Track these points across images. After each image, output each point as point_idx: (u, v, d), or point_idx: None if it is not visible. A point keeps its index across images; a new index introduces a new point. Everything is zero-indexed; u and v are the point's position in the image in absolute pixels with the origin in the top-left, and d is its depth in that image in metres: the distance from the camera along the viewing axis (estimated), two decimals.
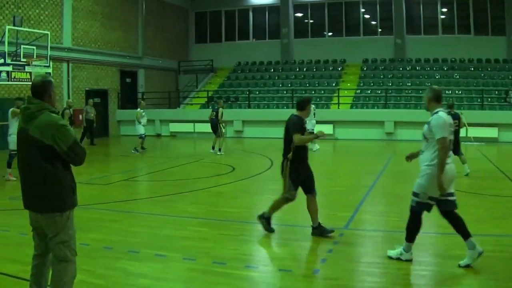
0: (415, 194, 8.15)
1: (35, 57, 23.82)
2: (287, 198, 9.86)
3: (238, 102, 37.43)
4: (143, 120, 25.14)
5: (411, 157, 8.64)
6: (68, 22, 31.89)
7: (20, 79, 26.68)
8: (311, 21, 44.44)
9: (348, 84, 37.36)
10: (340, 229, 10.00)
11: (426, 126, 8.06)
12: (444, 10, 40.03)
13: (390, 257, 8.28)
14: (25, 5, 28.43)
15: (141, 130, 25.03)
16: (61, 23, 31.35)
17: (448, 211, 8.16)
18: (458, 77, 35.84)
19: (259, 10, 45.93)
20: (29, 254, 6.18)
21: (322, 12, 43.48)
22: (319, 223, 9.78)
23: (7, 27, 22.55)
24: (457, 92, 33.71)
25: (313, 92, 37.13)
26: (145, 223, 11.11)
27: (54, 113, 5.72)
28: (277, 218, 10.62)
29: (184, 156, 23.19)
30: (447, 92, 33.49)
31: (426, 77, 36.49)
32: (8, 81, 26.29)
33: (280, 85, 39.40)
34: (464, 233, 8.02)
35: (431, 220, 11.02)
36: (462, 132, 28.49)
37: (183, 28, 46.92)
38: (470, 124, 28.30)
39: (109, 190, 15.39)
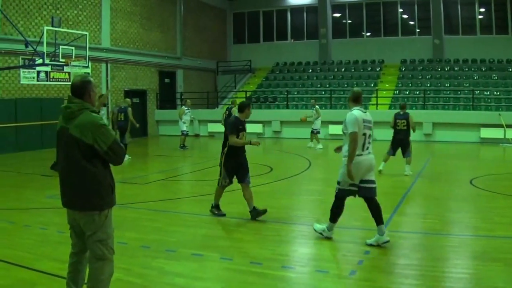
0: (338, 182, 9.33)
1: (73, 57, 24.04)
2: (223, 185, 11.39)
3: (276, 103, 37.44)
4: (185, 117, 25.65)
5: (338, 149, 9.66)
6: (107, 23, 32.29)
7: (59, 79, 27.13)
8: (349, 21, 44.26)
9: (387, 85, 37.15)
10: None
11: (343, 123, 9.13)
12: (482, 10, 39.49)
13: (314, 230, 9.70)
14: (63, 6, 28.84)
15: (183, 127, 25.62)
16: (100, 24, 31.74)
17: (368, 197, 9.23)
18: (496, 78, 35.34)
19: (297, 10, 45.91)
20: (67, 252, 6.27)
21: (360, 12, 43.32)
22: (254, 207, 11.24)
23: (46, 27, 22.76)
24: (495, 93, 33.36)
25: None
26: (182, 223, 11.24)
27: (94, 112, 5.75)
28: (314, 218, 10.66)
29: None
30: (485, 93, 33.22)
31: (464, 77, 36.08)
32: (47, 81, 26.74)
33: (318, 86, 39.39)
34: (378, 220, 9.11)
35: (469, 222, 11.02)
36: (495, 134, 28.46)
37: (221, 28, 47.11)
38: (508, 126, 28.14)
39: (148, 189, 15.55)
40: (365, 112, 9.22)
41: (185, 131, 26.00)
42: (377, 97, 33.66)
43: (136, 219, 11.47)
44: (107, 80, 32.43)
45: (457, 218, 11.60)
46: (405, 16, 42.41)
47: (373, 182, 9.22)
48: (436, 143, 29.06)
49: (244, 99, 34.59)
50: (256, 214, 11.16)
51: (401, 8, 42.07)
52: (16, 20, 25.65)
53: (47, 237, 9.86)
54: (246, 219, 11.19)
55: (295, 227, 10.60)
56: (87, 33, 25.05)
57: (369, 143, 9.11)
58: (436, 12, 39.63)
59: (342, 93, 37.12)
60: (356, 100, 9.29)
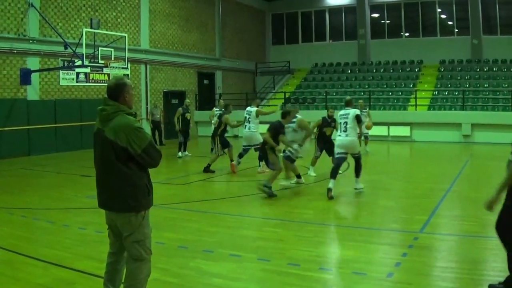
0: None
1: (113, 59, 24.26)
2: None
3: (315, 104, 37.38)
4: (215, 119, 25.29)
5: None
6: (145, 24, 32.56)
7: (98, 81, 27.39)
8: (388, 21, 43.97)
9: (425, 85, 36.85)
10: (416, 232, 9.94)
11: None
12: None
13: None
14: (102, 8, 29.17)
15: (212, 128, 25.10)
16: (139, 26, 32.01)
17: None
18: None
19: (336, 11, 45.75)
20: (105, 251, 6.34)
21: (398, 13, 42.98)
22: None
23: (85, 29, 23.03)
24: None
25: (390, 93, 36.90)
26: (221, 223, 11.27)
27: (130, 115, 5.77)
28: (352, 220, 10.67)
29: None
30: None
31: (503, 78, 35.48)
32: (86, 82, 27.02)
33: (357, 86, 39.23)
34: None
35: None
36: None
37: (260, 29, 47.19)
38: None
39: (187, 190, 15.67)
40: None
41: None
42: (416, 97, 33.30)
43: (175, 219, 11.57)
44: (146, 82, 32.67)
45: (495, 220, 11.49)
46: (443, 16, 41.99)
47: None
48: (475, 144, 28.72)
49: (282, 100, 34.69)
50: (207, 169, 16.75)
51: (439, 8, 41.65)
52: (55, 22, 25.99)
53: (86, 236, 9.99)
54: (284, 220, 11.24)
55: (333, 228, 10.60)
56: (126, 35, 25.30)
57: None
58: (474, 12, 39.10)
59: (381, 94, 36.98)
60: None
